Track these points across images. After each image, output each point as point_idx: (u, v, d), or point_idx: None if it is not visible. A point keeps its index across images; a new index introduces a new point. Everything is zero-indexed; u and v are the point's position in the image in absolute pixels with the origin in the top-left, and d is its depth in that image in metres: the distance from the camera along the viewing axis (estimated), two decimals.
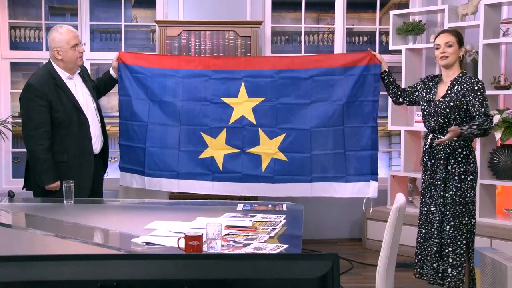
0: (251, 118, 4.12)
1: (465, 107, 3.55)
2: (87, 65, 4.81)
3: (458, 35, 3.68)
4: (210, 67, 4.16)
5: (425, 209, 3.68)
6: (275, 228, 2.72)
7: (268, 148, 4.11)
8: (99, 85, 4.13)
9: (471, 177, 3.57)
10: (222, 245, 2.35)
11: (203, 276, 1.32)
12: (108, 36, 8.22)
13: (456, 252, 3.51)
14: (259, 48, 4.93)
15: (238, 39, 4.85)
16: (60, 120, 3.65)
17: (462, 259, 3.50)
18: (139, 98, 4.17)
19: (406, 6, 5.82)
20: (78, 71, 3.83)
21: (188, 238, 2.27)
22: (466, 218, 3.54)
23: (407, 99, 3.91)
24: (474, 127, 3.45)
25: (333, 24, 5.56)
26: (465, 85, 3.57)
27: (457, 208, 3.53)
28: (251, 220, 2.86)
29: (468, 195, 3.55)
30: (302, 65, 4.13)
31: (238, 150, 4.13)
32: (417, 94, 3.83)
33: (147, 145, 4.16)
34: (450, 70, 3.66)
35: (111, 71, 4.18)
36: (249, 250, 2.34)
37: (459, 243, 3.51)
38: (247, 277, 1.32)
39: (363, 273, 4.52)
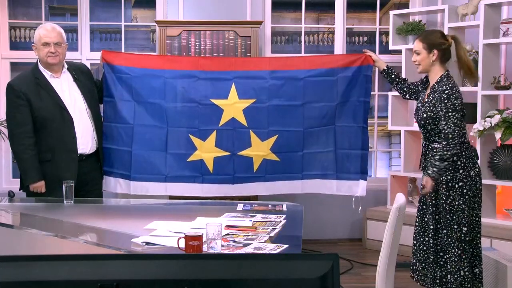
0: (242, 120, 4.04)
1: (439, 117, 3.40)
2: (87, 65, 4.79)
3: (425, 40, 3.51)
4: (198, 68, 4.07)
5: (426, 217, 3.58)
6: (275, 228, 2.72)
7: (260, 150, 4.05)
8: (100, 88, 4.07)
9: (459, 184, 3.39)
10: (222, 245, 2.35)
11: (203, 276, 1.32)
12: (108, 36, 8.21)
13: (452, 259, 3.43)
14: (259, 48, 4.92)
15: (238, 39, 4.84)
16: (41, 118, 3.64)
17: (457, 266, 3.42)
18: (123, 99, 4.04)
19: (406, 6, 5.82)
20: (64, 69, 3.76)
21: (188, 238, 2.27)
22: (456, 226, 3.41)
23: (413, 96, 3.80)
24: (437, 162, 3.37)
25: (333, 24, 5.56)
26: (436, 93, 3.42)
27: (448, 216, 3.43)
28: (251, 220, 2.86)
29: (457, 203, 3.41)
30: (295, 67, 4.09)
31: (228, 153, 4.05)
32: (418, 94, 3.79)
33: (133, 148, 4.03)
34: (430, 75, 3.55)
35: None
36: (249, 250, 2.34)
37: (453, 250, 3.43)
38: (247, 277, 1.32)
39: (363, 273, 4.52)
